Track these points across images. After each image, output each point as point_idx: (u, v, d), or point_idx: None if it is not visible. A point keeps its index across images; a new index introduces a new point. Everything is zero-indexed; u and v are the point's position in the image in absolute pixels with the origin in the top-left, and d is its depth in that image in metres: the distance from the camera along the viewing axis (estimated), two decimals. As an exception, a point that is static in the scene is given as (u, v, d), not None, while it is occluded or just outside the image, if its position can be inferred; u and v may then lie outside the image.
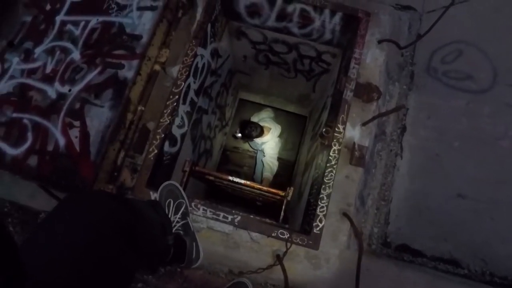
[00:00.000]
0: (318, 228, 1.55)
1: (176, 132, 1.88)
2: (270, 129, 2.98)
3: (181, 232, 1.39)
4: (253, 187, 1.80)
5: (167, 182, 1.54)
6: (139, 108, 1.61)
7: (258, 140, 2.97)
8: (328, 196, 1.60)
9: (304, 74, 2.78)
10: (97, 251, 0.74)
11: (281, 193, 1.75)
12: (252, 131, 2.80)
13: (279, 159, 3.62)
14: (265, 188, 1.78)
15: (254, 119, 3.20)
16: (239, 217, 1.56)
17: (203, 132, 2.51)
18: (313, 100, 3.28)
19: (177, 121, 1.84)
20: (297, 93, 3.25)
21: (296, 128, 3.87)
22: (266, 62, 2.77)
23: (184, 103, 1.87)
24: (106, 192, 1.32)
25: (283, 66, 2.75)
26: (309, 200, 1.84)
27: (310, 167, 2.27)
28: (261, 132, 2.87)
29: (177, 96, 1.74)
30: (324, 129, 1.70)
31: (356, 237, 1.63)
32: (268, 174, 3.03)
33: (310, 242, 1.53)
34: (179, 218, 1.42)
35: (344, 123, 1.69)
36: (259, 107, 3.84)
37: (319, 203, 1.59)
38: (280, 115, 3.84)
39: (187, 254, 1.38)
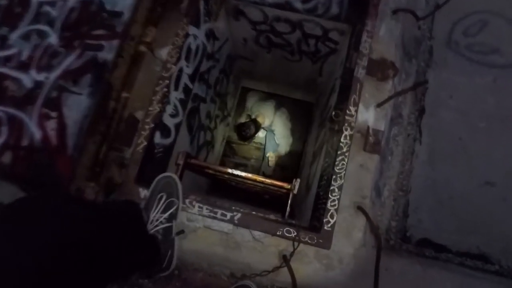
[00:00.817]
0: (329, 225, 1.36)
1: (169, 121, 1.70)
2: (262, 114, 2.95)
3: (159, 236, 1.23)
4: (255, 180, 1.62)
5: (167, 174, 1.38)
6: (123, 95, 1.44)
7: (260, 133, 2.94)
8: (340, 188, 1.41)
9: (310, 56, 2.56)
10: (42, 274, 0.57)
11: (287, 185, 1.57)
12: (248, 130, 2.73)
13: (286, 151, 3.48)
14: (268, 181, 1.60)
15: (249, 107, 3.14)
16: (239, 215, 1.38)
17: (202, 122, 2.34)
18: (320, 85, 3.06)
19: (169, 109, 1.67)
20: (303, 77, 3.03)
21: (302, 116, 3.66)
22: (268, 44, 2.56)
23: (176, 89, 1.68)
24: (65, 197, 1.09)
25: (286, 48, 2.53)
26: (318, 193, 1.66)
27: (319, 156, 2.07)
28: (256, 125, 2.81)
29: (167, 81, 1.56)
30: (333, 113, 1.50)
31: (373, 233, 1.44)
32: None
33: (321, 240, 1.34)
34: (164, 218, 1.25)
35: (356, 105, 1.49)
36: (263, 95, 3.64)
37: (330, 196, 1.40)
38: (285, 103, 3.64)
39: (157, 262, 1.23)
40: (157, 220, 1.26)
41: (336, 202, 1.39)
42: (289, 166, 3.61)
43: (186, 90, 1.83)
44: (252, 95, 3.48)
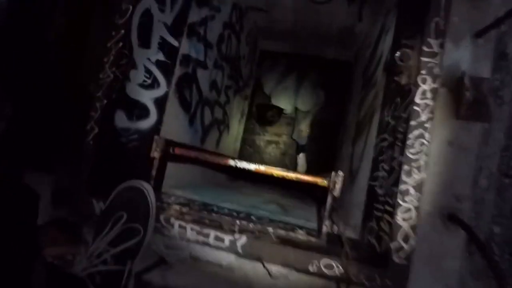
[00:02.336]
0: (402, 253, 0.77)
1: (141, 95, 1.16)
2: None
3: (97, 282, 0.72)
4: (270, 174, 1.05)
5: (133, 182, 0.88)
6: None
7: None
8: (419, 187, 0.79)
9: (345, -9, 1.85)
10: None
11: (321, 182, 0.98)
12: (275, 116, 2.70)
13: (318, 121, 2.84)
14: (291, 175, 1.02)
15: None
16: (243, 238, 0.83)
17: (205, 95, 1.78)
18: (359, 35, 2.32)
19: (138, 76, 1.12)
20: (336, 27, 2.31)
21: (337, 79, 2.95)
22: (286, -18, 1.88)
23: (145, 45, 1.12)
24: None
25: (311, -16, 1.84)
26: (373, 189, 1.05)
27: (367, 130, 1.43)
28: (280, 111, 2.73)
29: (123, 31, 1.00)
30: (397, 53, 0.85)
31: (485, 259, 0.83)
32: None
33: (389, 282, 0.76)
34: (112, 256, 0.74)
35: (441, 35, 0.82)
36: (287, 58, 2.95)
37: (400, 201, 0.79)
38: (314, 66, 2.92)
39: None
40: (99, 254, 0.75)
41: (413, 212, 0.78)
42: (323, 139, 2.98)
43: (167, 48, 1.27)
44: (267, 77, 2.84)
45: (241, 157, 2.95)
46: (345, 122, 2.50)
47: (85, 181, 0.95)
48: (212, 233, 0.86)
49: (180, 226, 0.88)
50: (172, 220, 0.88)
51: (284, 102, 2.76)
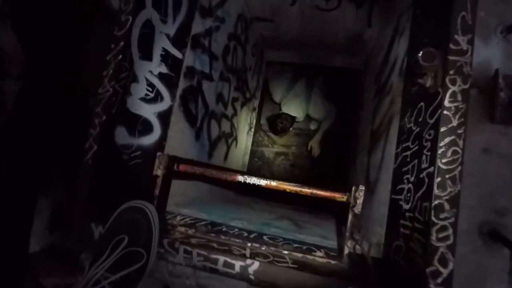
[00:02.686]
0: (440, 279, 0.66)
1: (144, 109, 1.10)
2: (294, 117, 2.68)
3: None
4: (283, 190, 0.96)
5: (135, 202, 0.81)
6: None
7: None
8: (455, 200, 0.69)
9: (353, -3, 1.79)
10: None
11: (340, 197, 0.89)
12: (285, 122, 2.59)
13: (327, 132, 2.81)
14: (306, 190, 0.93)
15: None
16: (256, 264, 0.74)
17: (211, 108, 1.72)
18: (368, 42, 2.25)
19: (139, 89, 1.06)
20: (344, 34, 2.25)
21: (346, 89, 2.87)
22: (291, -9, 1.84)
23: (146, 57, 1.07)
24: None
25: (317, -9, 1.79)
26: (396, 202, 0.95)
27: (384, 138, 1.34)
28: (292, 119, 2.66)
29: (122, 43, 0.95)
30: (420, 53, 0.77)
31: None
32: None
33: (426, 314, 0.65)
34: (110, 283, 0.66)
35: (469, 31, 0.74)
36: (294, 69, 2.90)
37: (434, 218, 0.69)
38: (321, 74, 2.85)
39: None
40: (96, 281, 0.67)
41: (450, 231, 0.68)
42: (333, 150, 2.87)
43: (170, 61, 1.21)
44: (275, 85, 2.81)
45: (250, 170, 2.87)
46: (356, 132, 2.40)
47: (83, 203, 0.88)
48: (221, 258, 0.77)
49: (185, 251, 0.79)
50: (177, 244, 0.80)
51: (295, 110, 2.68)
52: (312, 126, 2.90)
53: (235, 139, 2.31)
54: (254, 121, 2.89)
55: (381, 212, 1.14)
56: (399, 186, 0.97)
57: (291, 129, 2.80)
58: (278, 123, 2.60)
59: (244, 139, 2.64)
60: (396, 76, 1.29)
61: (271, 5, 2.04)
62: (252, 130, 2.87)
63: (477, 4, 0.76)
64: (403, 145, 0.99)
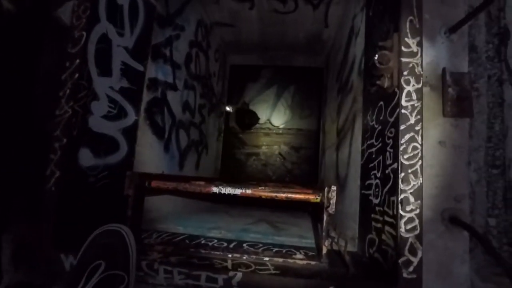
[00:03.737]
0: (411, 268, 0.71)
1: (108, 127, 1.05)
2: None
3: None
4: (258, 197, 0.97)
5: (109, 226, 0.77)
6: None
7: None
8: (419, 192, 0.74)
9: (309, 0, 1.84)
10: None
11: (313, 198, 0.91)
12: (251, 120, 2.78)
13: (298, 130, 2.90)
14: (282, 195, 0.94)
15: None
16: (238, 275, 0.74)
17: (178, 118, 1.69)
18: (327, 41, 2.34)
19: (101, 107, 1.01)
20: (303, 35, 2.31)
21: (310, 87, 2.96)
22: (248, -5, 1.85)
23: (105, 73, 1.03)
24: None
25: (274, -6, 1.82)
26: (366, 197, 1.00)
27: (349, 135, 1.40)
28: (256, 118, 2.81)
29: (78, 61, 0.90)
30: (376, 56, 0.81)
31: (496, 261, 0.78)
32: None
33: (402, 301, 0.69)
34: None
35: (417, 33, 0.80)
36: (258, 71, 2.93)
37: (401, 211, 0.74)
38: (285, 75, 2.92)
39: None
40: None
41: (416, 222, 0.73)
42: (304, 147, 2.96)
43: (131, 74, 1.17)
44: (247, 87, 2.92)
45: (223, 174, 2.85)
46: (323, 128, 2.48)
47: (49, 234, 0.83)
48: (203, 274, 0.76)
49: (165, 271, 0.77)
50: (156, 265, 0.78)
51: (260, 112, 2.79)
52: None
53: (205, 146, 2.28)
54: (223, 125, 2.87)
55: (353, 208, 1.19)
56: (368, 182, 1.02)
57: (257, 125, 2.90)
58: (246, 119, 2.81)
59: (215, 145, 2.62)
60: (355, 75, 1.35)
61: (229, 10, 2.04)
62: (222, 135, 2.85)
63: (422, 8, 0.82)
64: (368, 142, 1.04)
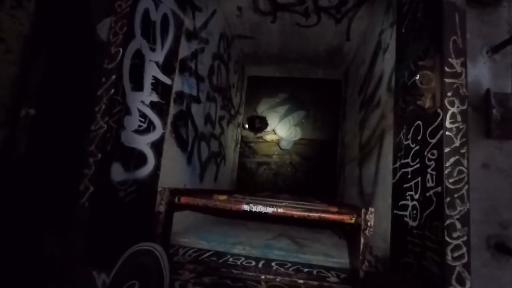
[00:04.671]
0: (459, 299, 0.67)
1: (138, 142, 1.06)
2: (271, 118, 2.88)
3: None
4: (290, 216, 0.95)
5: (142, 245, 0.76)
6: (24, 111, 0.79)
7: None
8: (465, 218, 0.71)
9: (332, 14, 1.85)
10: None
11: (348, 219, 0.89)
12: (261, 125, 2.85)
13: (310, 141, 2.93)
14: (315, 215, 0.92)
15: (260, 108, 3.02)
16: (276, 301, 0.72)
17: (200, 130, 1.69)
18: (347, 54, 2.33)
19: (133, 122, 1.02)
20: (324, 48, 2.31)
21: (326, 99, 2.94)
22: (271, 9, 1.86)
23: (138, 88, 1.03)
24: None
25: (297, 8, 1.83)
26: (400, 218, 0.96)
27: (377, 152, 1.37)
28: (266, 124, 2.88)
29: (114, 76, 0.91)
30: (417, 76, 0.80)
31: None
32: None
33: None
34: None
35: (461, 54, 0.78)
36: (276, 82, 2.94)
37: (447, 237, 0.70)
38: (302, 87, 2.91)
39: None
40: None
41: (464, 249, 0.70)
42: (317, 158, 2.92)
43: (161, 88, 1.18)
44: (262, 99, 3.02)
45: (239, 186, 2.84)
46: (343, 142, 2.45)
47: (81, 249, 0.82)
48: (238, 297, 0.74)
49: (199, 293, 0.76)
50: (190, 286, 0.76)
51: (269, 120, 2.88)
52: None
53: (223, 157, 2.28)
54: (240, 136, 2.87)
55: (383, 227, 1.15)
56: (402, 202, 0.99)
57: (266, 130, 2.96)
58: (256, 123, 2.89)
59: (232, 156, 2.62)
60: (384, 91, 1.33)
61: (251, 23, 2.05)
62: (238, 145, 2.85)
63: (465, 27, 0.80)
64: (402, 161, 1.01)
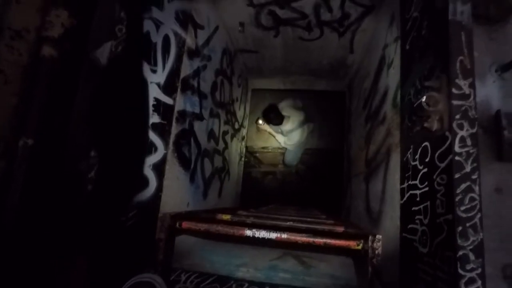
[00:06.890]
0: (475, 337, 0.63)
1: (139, 165, 1.04)
2: (289, 117, 2.64)
3: None
4: (295, 242, 0.91)
5: (141, 278, 0.74)
6: (22, 141, 0.78)
7: (280, 128, 2.69)
8: (479, 248, 0.67)
9: (334, 27, 1.83)
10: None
11: (354, 246, 0.85)
12: (276, 118, 2.59)
13: (316, 150, 2.90)
14: (320, 240, 0.89)
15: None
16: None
17: (204, 147, 1.67)
18: (351, 66, 2.31)
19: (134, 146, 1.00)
20: (327, 60, 2.30)
21: (330, 110, 2.91)
22: (274, 23, 1.86)
23: (139, 110, 1.02)
24: None
25: (299, 23, 1.82)
26: (409, 242, 0.92)
27: (384, 169, 1.33)
28: (281, 119, 2.63)
29: (114, 101, 0.90)
30: (424, 98, 0.77)
31: None
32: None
33: None
34: None
35: (469, 74, 0.75)
36: (280, 94, 2.92)
37: (460, 270, 0.67)
38: (306, 98, 2.88)
39: None
40: None
41: (479, 283, 0.66)
42: (321, 167, 2.87)
43: (162, 108, 1.17)
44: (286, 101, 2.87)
45: (244, 196, 2.80)
46: (349, 154, 2.41)
47: (82, 280, 0.80)
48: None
49: (200, 327, 0.72)
50: (190, 320, 0.73)
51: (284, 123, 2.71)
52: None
53: (228, 172, 2.26)
54: (244, 149, 2.85)
55: (391, 249, 1.11)
56: (411, 226, 0.95)
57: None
58: (272, 115, 2.61)
59: (236, 170, 2.59)
60: (389, 107, 1.30)
61: (254, 38, 2.05)
62: (243, 159, 2.83)
63: (473, 47, 0.77)
64: (409, 182, 0.98)
